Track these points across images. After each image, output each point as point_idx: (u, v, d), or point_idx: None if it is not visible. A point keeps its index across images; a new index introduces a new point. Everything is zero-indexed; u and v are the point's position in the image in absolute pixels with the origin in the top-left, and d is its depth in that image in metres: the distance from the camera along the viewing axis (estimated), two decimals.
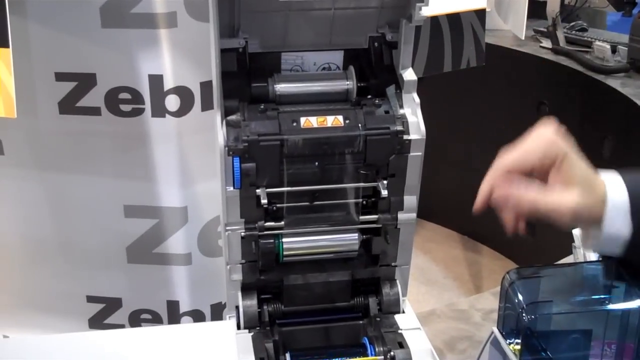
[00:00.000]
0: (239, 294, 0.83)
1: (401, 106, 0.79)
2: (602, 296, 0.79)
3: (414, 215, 0.81)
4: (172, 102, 1.42)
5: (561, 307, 0.75)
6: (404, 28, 0.78)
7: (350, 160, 0.77)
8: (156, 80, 1.40)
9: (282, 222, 0.79)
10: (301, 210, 0.79)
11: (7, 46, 1.26)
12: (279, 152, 0.75)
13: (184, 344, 0.93)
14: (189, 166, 1.50)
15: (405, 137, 0.77)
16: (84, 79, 1.40)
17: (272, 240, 0.79)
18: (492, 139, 2.74)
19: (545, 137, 0.72)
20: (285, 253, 0.80)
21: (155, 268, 1.58)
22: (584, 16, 2.96)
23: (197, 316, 1.65)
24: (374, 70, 0.81)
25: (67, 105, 1.42)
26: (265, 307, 0.83)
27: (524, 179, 0.72)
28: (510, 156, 0.72)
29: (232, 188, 0.76)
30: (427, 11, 0.76)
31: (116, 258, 1.57)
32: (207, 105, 1.44)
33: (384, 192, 0.78)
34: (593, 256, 1.13)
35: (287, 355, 0.79)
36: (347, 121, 0.77)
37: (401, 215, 0.81)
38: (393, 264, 0.85)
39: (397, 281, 0.85)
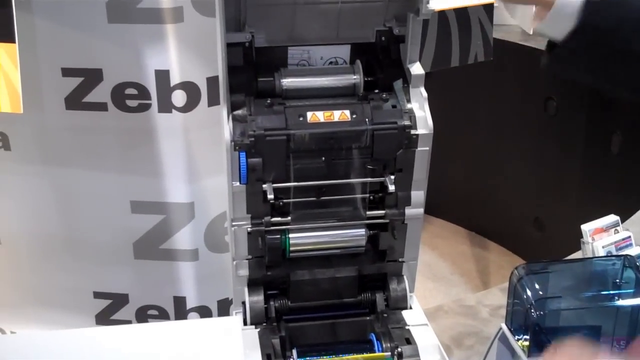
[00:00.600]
0: (246, 289, 0.82)
1: (409, 101, 0.78)
2: (612, 292, 0.78)
3: (422, 210, 0.81)
4: (179, 98, 1.42)
5: (570, 303, 0.75)
6: (412, 22, 0.78)
7: (357, 155, 0.77)
8: (163, 76, 1.40)
9: (289, 218, 0.79)
10: (308, 205, 0.79)
11: (13, 41, 1.26)
12: (285, 147, 0.75)
13: (190, 340, 0.93)
14: (196, 162, 1.50)
15: (412, 131, 0.77)
16: (90, 74, 1.40)
17: (278, 236, 0.79)
18: (500, 134, 2.74)
19: None
20: (291, 248, 0.80)
21: (162, 264, 1.58)
22: None
23: (203, 312, 1.64)
24: (381, 65, 0.80)
25: (74, 101, 1.42)
26: (272, 302, 0.83)
27: None
28: None
29: (238, 183, 0.76)
30: (434, 5, 0.76)
31: (123, 254, 1.57)
32: (213, 100, 1.44)
33: (391, 187, 0.77)
34: (602, 252, 1.12)
35: (294, 351, 0.79)
36: (354, 116, 0.76)
37: (408, 211, 0.80)
38: (400, 259, 0.84)
39: (405, 277, 0.85)
